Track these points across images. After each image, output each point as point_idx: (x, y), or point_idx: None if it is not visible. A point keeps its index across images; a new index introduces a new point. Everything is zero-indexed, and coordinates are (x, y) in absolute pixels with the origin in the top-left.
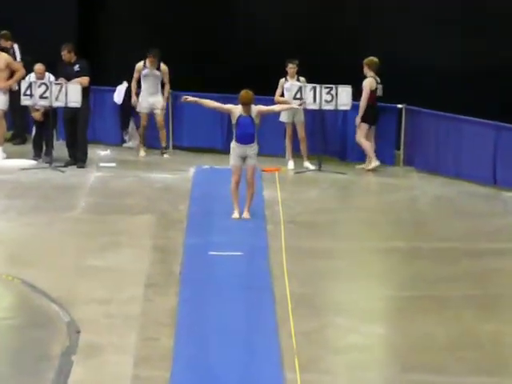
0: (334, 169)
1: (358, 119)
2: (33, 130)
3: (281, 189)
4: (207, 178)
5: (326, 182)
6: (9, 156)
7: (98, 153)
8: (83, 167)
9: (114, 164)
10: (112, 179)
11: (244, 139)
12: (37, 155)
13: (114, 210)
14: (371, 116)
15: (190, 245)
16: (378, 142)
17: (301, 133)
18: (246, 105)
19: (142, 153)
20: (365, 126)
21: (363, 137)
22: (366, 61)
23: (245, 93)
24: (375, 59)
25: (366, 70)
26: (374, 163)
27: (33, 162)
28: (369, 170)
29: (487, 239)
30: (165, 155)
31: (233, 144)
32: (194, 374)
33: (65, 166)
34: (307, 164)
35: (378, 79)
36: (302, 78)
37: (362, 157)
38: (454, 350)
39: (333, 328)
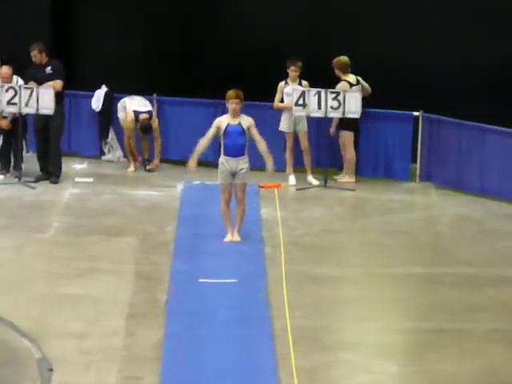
0: (341, 184)
1: (333, 128)
2: None
3: (281, 207)
4: (197, 195)
5: (331, 199)
6: None
7: (74, 166)
8: (57, 183)
9: (91, 179)
10: (89, 196)
11: (233, 151)
12: (4, 168)
13: (91, 232)
14: (352, 122)
15: (177, 271)
16: (392, 154)
17: (304, 143)
18: (234, 99)
19: (132, 167)
20: (349, 134)
21: (351, 146)
22: (334, 62)
23: (232, 90)
24: (343, 58)
25: (338, 73)
26: (350, 178)
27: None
28: (344, 182)
29: None
30: (150, 168)
31: (221, 158)
32: None
33: (36, 182)
34: (311, 179)
35: (358, 78)
36: (304, 82)
37: (373, 170)
38: None
39: (339, 365)
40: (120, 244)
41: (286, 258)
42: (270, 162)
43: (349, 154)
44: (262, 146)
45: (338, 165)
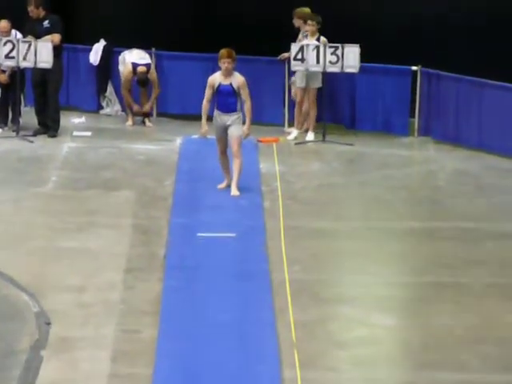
0: (339, 139)
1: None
2: None
3: (279, 162)
4: (196, 150)
5: (330, 153)
6: None
7: (72, 120)
8: (55, 136)
9: (89, 133)
10: (87, 150)
11: (224, 107)
12: (2, 122)
13: (89, 186)
14: (317, 78)
15: (175, 225)
16: (391, 109)
17: (311, 98)
18: (227, 58)
19: (130, 122)
20: (315, 91)
21: (315, 102)
22: (296, 12)
23: (225, 49)
24: (306, 9)
25: (298, 23)
26: (311, 135)
27: None
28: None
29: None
30: (148, 123)
31: (214, 112)
32: (180, 371)
33: (34, 135)
34: (310, 134)
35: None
36: (323, 38)
37: (372, 125)
38: (473, 344)
39: (337, 319)
40: (118, 198)
41: (284, 213)
42: (246, 125)
43: (314, 110)
44: (247, 105)
45: (336, 119)
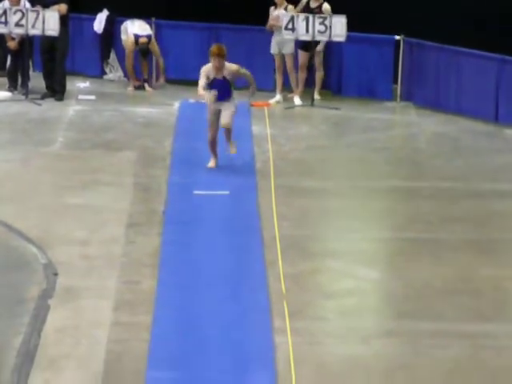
0: (327, 104)
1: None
2: (8, 60)
3: (270, 125)
4: (193, 113)
5: (318, 117)
6: None
7: (77, 85)
8: (61, 100)
9: (93, 97)
10: (92, 113)
11: (219, 97)
12: (12, 86)
13: (93, 146)
14: (308, 43)
15: (173, 183)
16: (375, 76)
17: (288, 65)
18: (217, 56)
19: (131, 87)
20: (306, 55)
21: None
22: None
23: (215, 46)
24: None
25: None
26: (277, 98)
27: (8, 94)
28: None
29: (489, 179)
30: (148, 87)
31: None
32: (177, 319)
33: (42, 99)
34: (296, 99)
35: None
36: (290, 6)
37: (358, 91)
38: (451, 295)
39: (324, 272)
40: (120, 158)
41: (275, 172)
42: (252, 88)
43: (305, 73)
44: (248, 78)
45: (324, 86)
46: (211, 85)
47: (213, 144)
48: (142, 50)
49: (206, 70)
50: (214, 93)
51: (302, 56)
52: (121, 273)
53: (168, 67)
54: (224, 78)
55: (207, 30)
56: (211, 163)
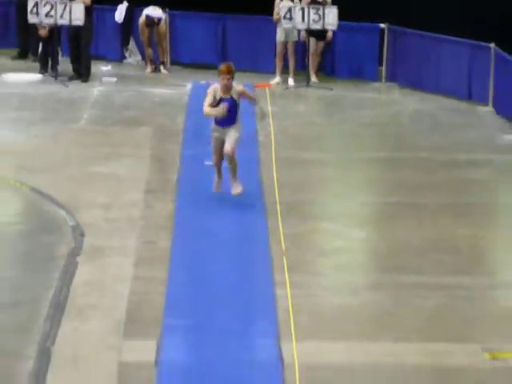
0: (321, 84)
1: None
2: (39, 47)
3: (271, 103)
4: (203, 93)
5: (313, 97)
6: (16, 71)
7: (101, 68)
8: (86, 81)
9: (115, 79)
10: (113, 93)
11: (225, 122)
12: (43, 70)
13: (115, 122)
14: (323, 33)
15: (185, 155)
16: (363, 59)
17: (290, 50)
18: (226, 74)
19: (149, 69)
20: (322, 43)
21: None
22: None
23: (224, 65)
24: None
25: None
26: (277, 80)
27: (39, 77)
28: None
29: (464, 150)
30: (163, 70)
31: (213, 126)
32: (190, 274)
33: (69, 81)
34: (290, 80)
35: None
36: None
37: (348, 73)
38: (431, 252)
39: (319, 233)
40: (138, 133)
41: (275, 145)
42: (261, 115)
43: (293, 60)
44: (253, 101)
45: (318, 68)
46: (218, 105)
47: (217, 165)
48: (148, 23)
49: (213, 90)
50: (224, 105)
51: (317, 44)
52: (140, 234)
53: (180, 52)
54: (232, 97)
55: (215, 19)
56: (215, 187)
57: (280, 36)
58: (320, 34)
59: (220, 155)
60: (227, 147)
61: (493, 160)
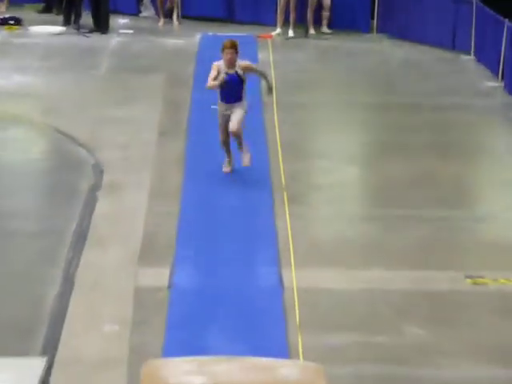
0: (318, 36)
1: None
2: (64, 2)
3: (273, 52)
4: (211, 44)
5: (311, 46)
6: (42, 24)
7: (118, 21)
8: (105, 33)
9: (131, 31)
10: (130, 44)
11: (230, 99)
12: (67, 22)
13: (131, 70)
14: None
15: (195, 99)
16: (356, 13)
17: (292, 5)
18: (230, 48)
19: (161, 22)
20: None
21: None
22: None
23: (228, 40)
24: None
25: None
26: (278, 31)
27: (63, 29)
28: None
29: (447, 95)
30: (175, 22)
31: (219, 103)
32: (199, 207)
33: (90, 32)
34: (290, 32)
35: None
36: None
37: (345, 25)
38: (417, 187)
39: (317, 169)
40: (152, 79)
41: (276, 90)
42: (266, 83)
43: (295, 14)
44: (259, 73)
45: (316, 21)
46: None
47: (225, 145)
48: None
49: (217, 65)
50: (224, 75)
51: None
52: (154, 171)
53: (190, 7)
54: (236, 73)
55: None
56: (225, 168)
57: None
58: None
59: (226, 133)
60: (233, 126)
61: (474, 104)
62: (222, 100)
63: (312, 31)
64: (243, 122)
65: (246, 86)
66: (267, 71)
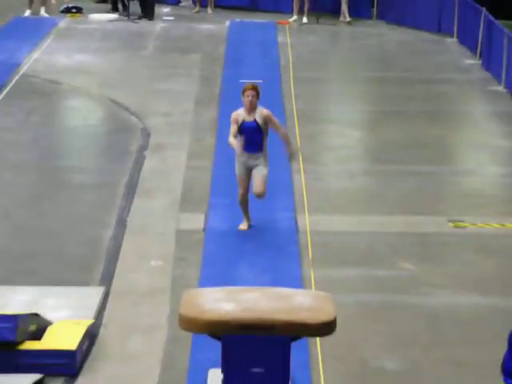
0: (327, 22)
1: None
2: None
3: (290, 36)
4: (238, 29)
5: (321, 31)
6: (99, 12)
7: (162, 10)
8: (151, 20)
9: (172, 18)
10: (171, 29)
11: (250, 147)
12: (116, 10)
13: (172, 50)
14: None
15: (226, 74)
16: (358, 1)
17: None
18: (251, 90)
19: (197, 9)
20: None
21: None
22: None
23: (249, 83)
24: None
25: None
26: (294, 18)
27: (116, 16)
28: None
29: (434, 71)
30: (209, 11)
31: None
32: (229, 165)
33: (138, 19)
34: (304, 19)
35: None
36: None
37: (353, 12)
38: (409, 148)
39: (325, 132)
40: (190, 58)
41: (293, 67)
42: (289, 148)
43: (309, 2)
44: (281, 132)
45: (327, 9)
46: (241, 129)
47: (243, 204)
48: None
49: (235, 116)
50: (241, 140)
51: None
52: (191, 134)
53: None
54: (255, 121)
55: None
56: (242, 225)
57: None
58: None
59: (245, 188)
60: (257, 188)
61: (456, 78)
62: (243, 149)
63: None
64: (267, 181)
65: (267, 138)
66: (285, 52)
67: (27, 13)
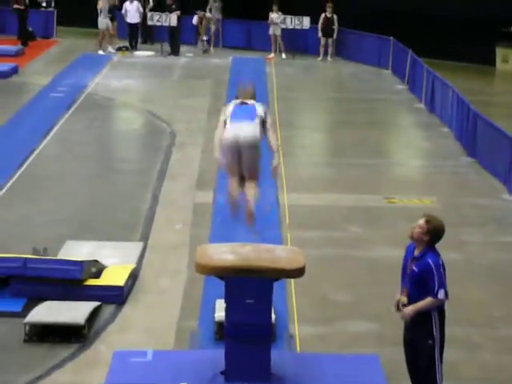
0: (300, 58)
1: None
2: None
3: (274, 67)
4: (238, 62)
5: (296, 64)
6: (141, 50)
7: (184, 48)
8: (177, 56)
9: (192, 54)
10: (191, 62)
11: (241, 117)
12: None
13: (192, 77)
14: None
15: (230, 94)
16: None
17: (279, 39)
18: (246, 88)
19: (212, 50)
20: (324, 39)
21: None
22: None
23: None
24: None
25: None
26: (273, 55)
27: (152, 53)
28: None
29: (375, 93)
30: (212, 50)
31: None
32: None
33: (169, 55)
34: (284, 55)
35: None
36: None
37: (315, 51)
38: (358, 146)
39: (300, 136)
40: (204, 83)
41: (277, 90)
42: (276, 159)
43: (283, 44)
44: (273, 138)
45: (299, 48)
46: (232, 113)
47: (233, 196)
48: (199, 18)
49: (226, 107)
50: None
51: (324, 40)
52: (204, 135)
53: (227, 40)
54: (253, 104)
55: (243, 23)
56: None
57: (271, 31)
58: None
59: (239, 172)
60: (250, 209)
61: (390, 98)
62: (231, 119)
63: (283, 56)
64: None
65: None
66: (271, 79)
67: (100, 52)
